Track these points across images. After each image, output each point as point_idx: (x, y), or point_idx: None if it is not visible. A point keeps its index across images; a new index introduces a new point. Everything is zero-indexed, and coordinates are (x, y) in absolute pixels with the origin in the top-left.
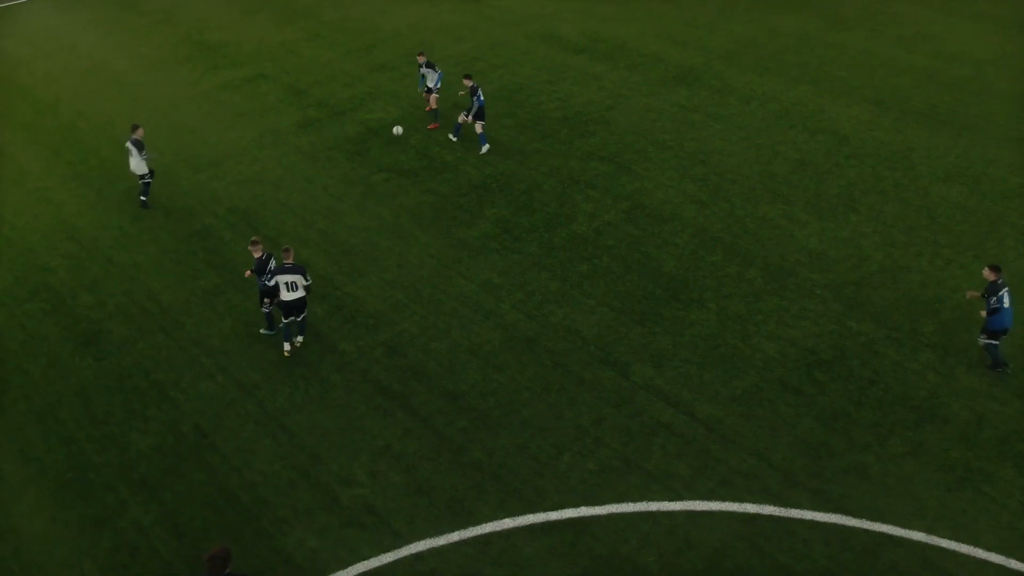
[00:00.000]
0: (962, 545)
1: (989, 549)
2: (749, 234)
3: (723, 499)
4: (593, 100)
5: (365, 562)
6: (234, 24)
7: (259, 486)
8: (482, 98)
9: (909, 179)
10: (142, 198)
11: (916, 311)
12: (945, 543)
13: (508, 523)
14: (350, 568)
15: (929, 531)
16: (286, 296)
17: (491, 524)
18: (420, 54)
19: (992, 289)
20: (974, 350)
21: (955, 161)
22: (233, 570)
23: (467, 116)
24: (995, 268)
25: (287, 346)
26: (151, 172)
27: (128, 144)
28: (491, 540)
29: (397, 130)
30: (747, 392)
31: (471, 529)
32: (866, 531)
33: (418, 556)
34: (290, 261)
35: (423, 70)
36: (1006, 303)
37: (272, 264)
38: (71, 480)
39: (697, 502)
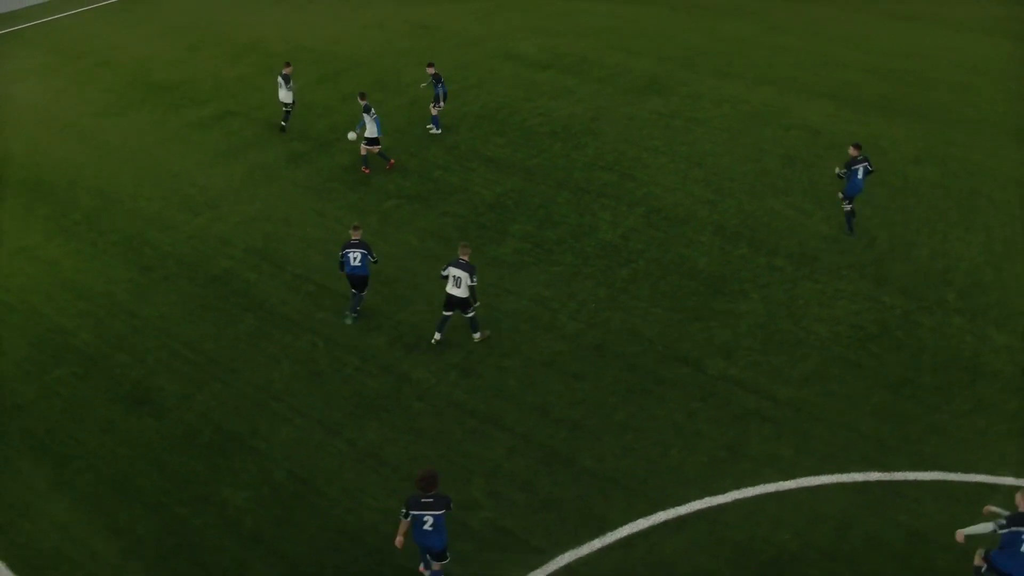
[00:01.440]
0: None
1: None
2: (764, 227)
3: (830, 472)
4: (575, 113)
5: None
6: (179, 63)
7: (380, 524)
8: (444, 85)
9: (885, 164)
10: (283, 123)
11: (934, 281)
12: None
13: (642, 523)
14: None
15: (1017, 476)
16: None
17: (627, 527)
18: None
19: (851, 163)
20: (993, 311)
21: (919, 145)
22: (439, 492)
23: (438, 104)
24: (857, 146)
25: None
26: (294, 103)
27: (279, 78)
28: (632, 542)
29: (351, 136)
30: (815, 371)
31: (609, 535)
32: (963, 483)
33: (568, 568)
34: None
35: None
36: (859, 175)
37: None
38: (174, 547)
39: (809, 478)
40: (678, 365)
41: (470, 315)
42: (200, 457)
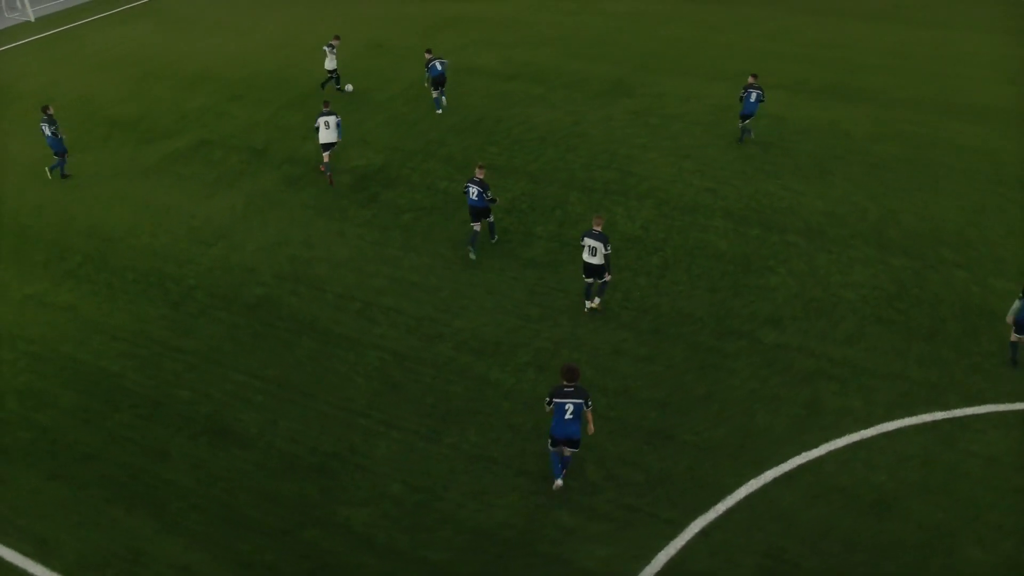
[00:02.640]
0: None
1: None
2: (767, 208)
3: (900, 417)
4: (554, 119)
5: (662, 553)
6: (132, 96)
7: (512, 519)
8: (437, 67)
9: (850, 143)
10: (337, 87)
11: (928, 242)
12: None
13: (754, 484)
14: (653, 562)
15: None
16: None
17: (742, 489)
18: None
19: (746, 87)
20: (987, 263)
21: (873, 124)
22: (580, 384)
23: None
24: (754, 76)
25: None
26: (336, 70)
27: (325, 48)
28: (751, 502)
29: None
30: (856, 331)
31: (729, 498)
32: (1014, 411)
33: (703, 533)
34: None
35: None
36: (752, 99)
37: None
38: (311, 571)
39: (883, 424)
40: (735, 338)
41: (604, 280)
42: (307, 480)
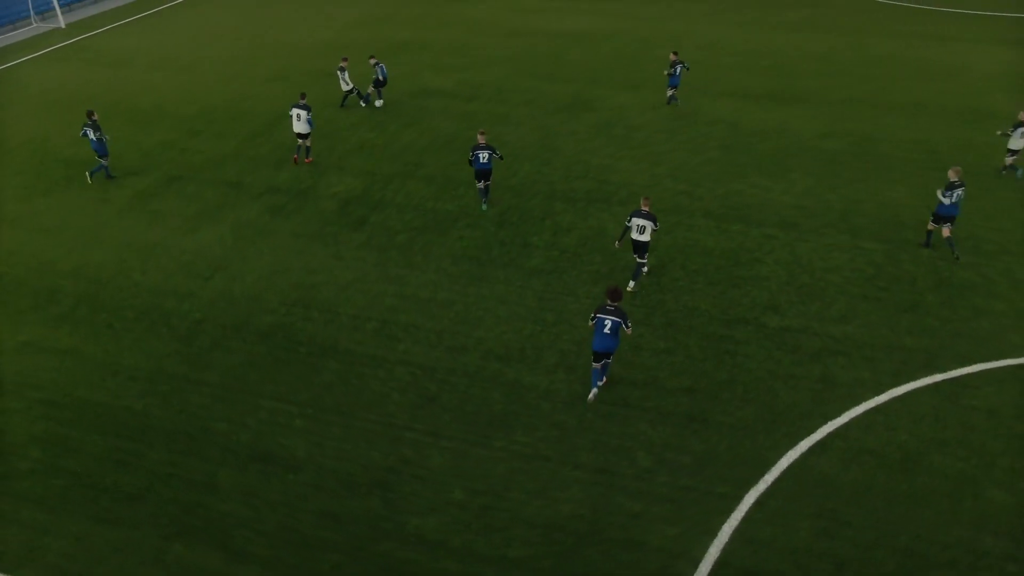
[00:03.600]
0: None
1: None
2: (742, 205)
3: (906, 382)
4: (522, 135)
5: (725, 525)
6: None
7: (579, 510)
8: (383, 71)
9: (801, 142)
10: (361, 102)
11: (891, 225)
12: None
13: (792, 454)
14: (719, 535)
15: None
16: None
17: (784, 460)
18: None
19: (672, 64)
20: (943, 241)
21: (819, 124)
22: (621, 306)
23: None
24: (675, 53)
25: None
26: (353, 87)
27: (336, 71)
28: (794, 471)
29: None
30: (848, 310)
31: (774, 469)
32: (1002, 367)
33: (758, 503)
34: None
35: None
36: (677, 72)
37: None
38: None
39: (892, 390)
40: (742, 326)
41: (644, 260)
42: (367, 496)
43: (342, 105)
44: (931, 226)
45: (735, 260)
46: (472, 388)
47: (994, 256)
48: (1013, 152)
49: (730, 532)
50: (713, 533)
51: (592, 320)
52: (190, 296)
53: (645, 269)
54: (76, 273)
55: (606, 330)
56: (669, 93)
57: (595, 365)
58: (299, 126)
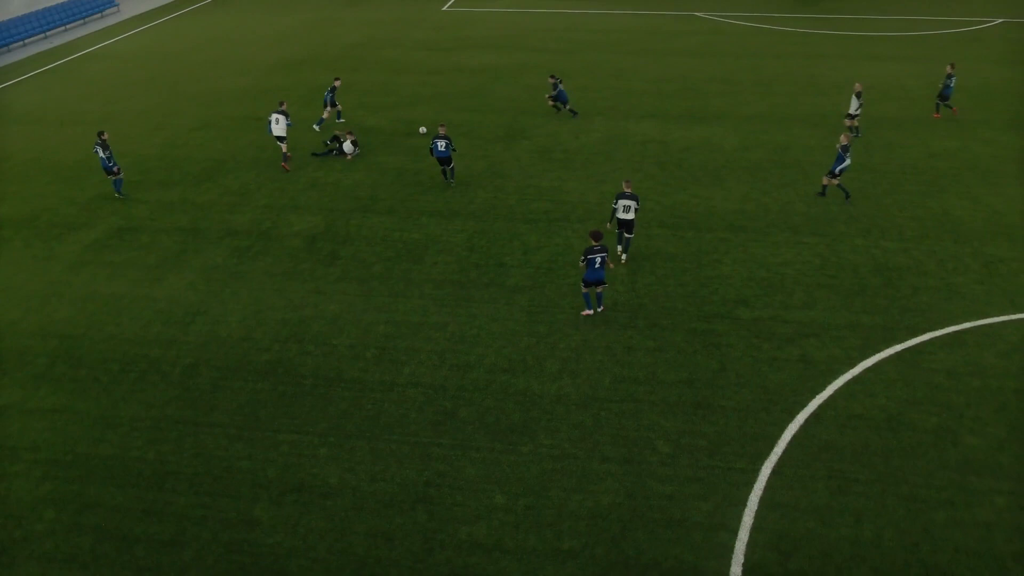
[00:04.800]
0: None
1: None
2: (689, 214)
3: (873, 354)
4: (469, 164)
5: (752, 495)
6: (14, 194)
7: (617, 499)
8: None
9: (726, 155)
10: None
11: (823, 221)
12: None
13: (793, 427)
14: (748, 504)
15: (974, 319)
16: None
17: (787, 432)
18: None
19: (554, 85)
20: (873, 231)
21: (735, 138)
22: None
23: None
24: (553, 75)
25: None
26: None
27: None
28: (799, 440)
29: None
30: (807, 299)
31: (780, 442)
32: (950, 333)
33: (775, 472)
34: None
35: None
36: (560, 87)
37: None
38: None
39: (864, 363)
40: (719, 320)
41: (631, 235)
42: (412, 512)
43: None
44: (826, 180)
45: (698, 263)
46: (486, 401)
47: (917, 240)
48: (851, 116)
49: (756, 501)
50: (742, 503)
51: (583, 260)
52: (175, 343)
53: (631, 238)
54: (42, 332)
55: (597, 264)
56: (569, 108)
57: (585, 290)
58: (278, 129)
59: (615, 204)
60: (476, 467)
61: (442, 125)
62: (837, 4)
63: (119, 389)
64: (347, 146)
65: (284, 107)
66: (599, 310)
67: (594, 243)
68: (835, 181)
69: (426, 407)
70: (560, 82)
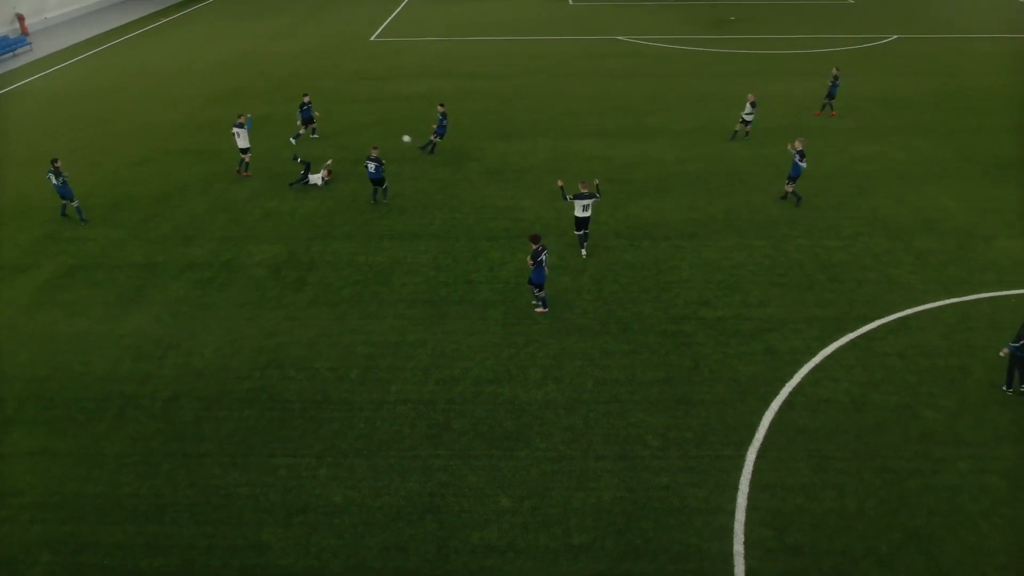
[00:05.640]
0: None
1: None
2: (643, 224)
3: (832, 341)
4: (423, 187)
5: (742, 480)
6: None
7: (619, 493)
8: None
9: (668, 168)
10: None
11: (768, 225)
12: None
13: (769, 415)
14: (740, 487)
15: (915, 304)
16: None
17: (765, 418)
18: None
19: (441, 114)
20: (813, 231)
21: (674, 152)
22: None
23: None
24: (441, 104)
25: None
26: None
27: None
28: (776, 426)
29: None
30: (764, 297)
31: (760, 429)
32: (896, 319)
33: (760, 454)
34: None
35: None
36: (443, 120)
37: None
38: None
39: (825, 350)
40: (686, 321)
41: (587, 231)
42: (421, 522)
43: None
44: (789, 187)
45: (657, 269)
46: (477, 411)
47: (853, 238)
48: (745, 122)
49: (747, 484)
50: (734, 487)
51: (533, 263)
52: (149, 377)
53: (588, 233)
54: (4, 376)
55: (544, 267)
56: (434, 141)
57: (538, 293)
58: (241, 142)
59: (574, 202)
60: (477, 475)
61: (375, 148)
62: (747, 26)
63: (98, 426)
64: (315, 178)
65: (242, 119)
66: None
67: (537, 247)
68: (789, 187)
69: (418, 422)
70: (444, 115)
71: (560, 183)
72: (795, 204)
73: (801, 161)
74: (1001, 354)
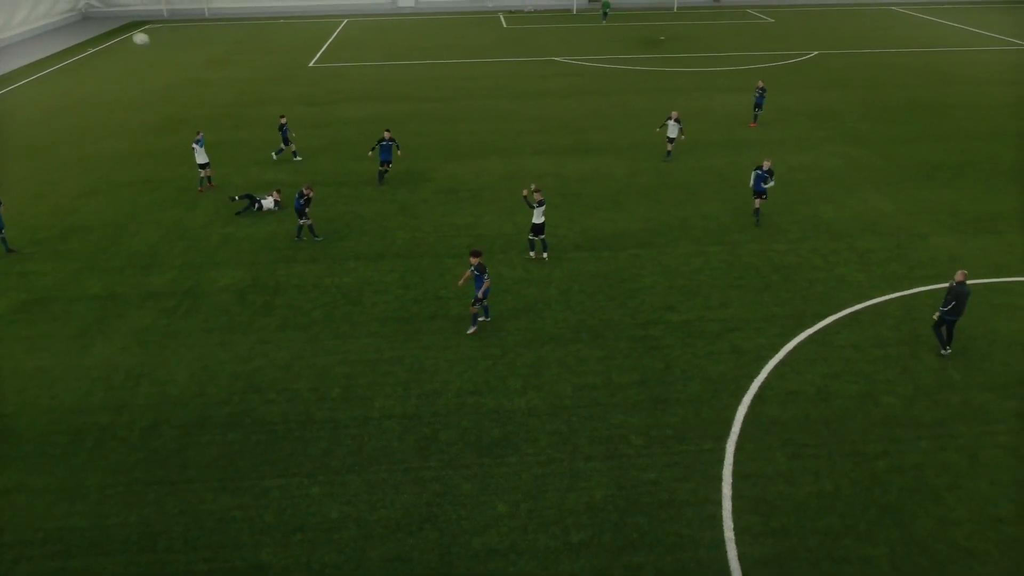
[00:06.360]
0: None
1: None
2: (602, 235)
3: (790, 340)
4: (380, 209)
5: (724, 471)
6: None
7: (609, 492)
8: (282, 125)
9: (619, 182)
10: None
11: (720, 231)
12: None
13: (743, 408)
14: (723, 478)
15: (862, 300)
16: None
17: (739, 413)
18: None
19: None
20: (764, 236)
21: (622, 166)
22: (482, 262)
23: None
24: (389, 130)
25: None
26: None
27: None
28: (749, 419)
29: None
30: (724, 299)
31: (735, 423)
32: (848, 314)
33: (738, 447)
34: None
35: None
36: (388, 142)
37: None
38: None
39: (785, 347)
40: (653, 326)
41: (542, 237)
42: (420, 532)
43: (294, 156)
44: (757, 203)
45: (620, 278)
46: (463, 422)
47: (800, 241)
48: (671, 140)
49: (730, 474)
50: (718, 478)
51: (488, 277)
52: (125, 407)
53: (544, 239)
54: None
55: (486, 285)
56: (383, 169)
57: (476, 310)
58: (199, 157)
59: (536, 209)
60: (471, 482)
61: (307, 186)
62: (677, 45)
63: (75, 460)
64: (267, 202)
65: (200, 136)
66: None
67: (479, 261)
68: (757, 202)
69: (406, 435)
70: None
71: (525, 192)
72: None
73: (770, 178)
74: (935, 316)
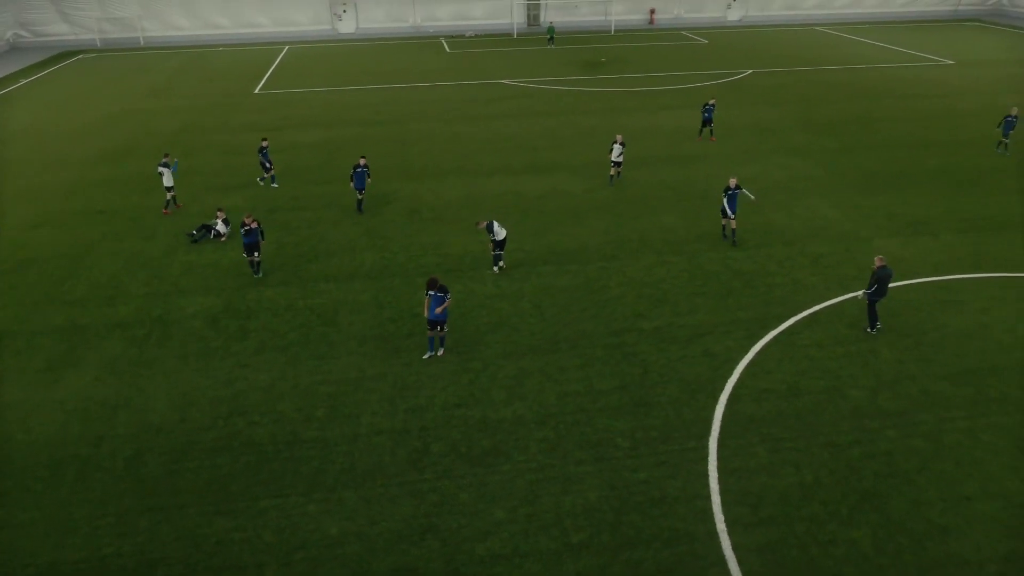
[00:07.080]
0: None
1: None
2: (567, 250)
3: (757, 341)
4: (347, 232)
5: (710, 467)
6: None
7: (603, 493)
8: (263, 150)
9: (578, 199)
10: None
11: (679, 242)
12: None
13: (720, 408)
14: (710, 474)
15: (822, 301)
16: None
17: (718, 412)
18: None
19: (356, 166)
20: (722, 246)
21: (573, 183)
22: (442, 284)
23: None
24: (363, 157)
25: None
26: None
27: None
28: (728, 417)
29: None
30: (691, 306)
31: (715, 422)
32: (808, 315)
33: (720, 442)
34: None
35: None
36: (361, 170)
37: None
38: None
39: (754, 348)
40: (626, 334)
41: (503, 251)
42: (422, 542)
43: (272, 181)
44: (724, 221)
45: (589, 289)
46: (453, 434)
47: (756, 248)
48: (616, 164)
49: (715, 470)
50: (705, 475)
51: (496, 226)
52: (104, 438)
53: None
54: None
55: (443, 307)
56: (359, 198)
57: (430, 333)
58: (166, 180)
59: (487, 226)
60: (467, 491)
61: (248, 215)
62: (617, 66)
63: (59, 493)
64: (220, 226)
65: (167, 159)
66: (440, 353)
67: (437, 290)
68: (732, 222)
69: (397, 450)
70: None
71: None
72: (723, 237)
73: (732, 200)
74: (859, 297)
